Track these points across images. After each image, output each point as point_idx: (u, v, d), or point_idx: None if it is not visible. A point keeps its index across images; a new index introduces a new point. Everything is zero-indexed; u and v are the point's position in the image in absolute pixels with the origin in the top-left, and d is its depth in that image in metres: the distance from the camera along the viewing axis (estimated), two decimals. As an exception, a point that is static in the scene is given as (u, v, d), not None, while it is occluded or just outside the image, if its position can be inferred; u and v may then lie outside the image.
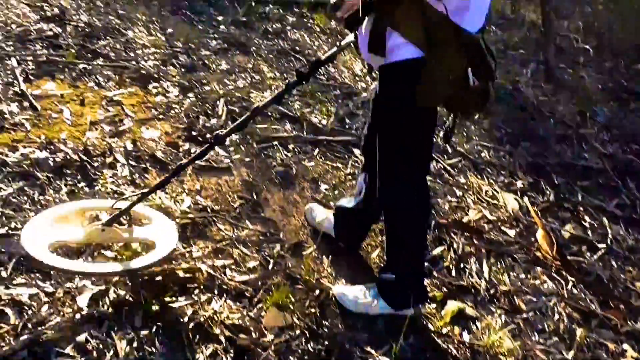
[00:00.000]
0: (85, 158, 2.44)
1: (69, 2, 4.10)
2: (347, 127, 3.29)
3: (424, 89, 1.60)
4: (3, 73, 2.92)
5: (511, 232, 2.65)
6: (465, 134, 3.56)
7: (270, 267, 2.13)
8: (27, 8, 3.81)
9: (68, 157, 2.42)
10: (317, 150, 2.97)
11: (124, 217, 1.89)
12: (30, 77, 2.97)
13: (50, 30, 3.55)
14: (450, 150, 3.30)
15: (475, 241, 2.51)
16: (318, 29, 4.88)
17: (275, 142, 2.93)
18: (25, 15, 3.68)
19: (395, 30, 1.57)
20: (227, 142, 2.82)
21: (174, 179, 2.06)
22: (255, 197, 2.50)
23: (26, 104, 2.73)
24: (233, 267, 2.08)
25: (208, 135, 2.82)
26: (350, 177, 2.82)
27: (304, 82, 1.83)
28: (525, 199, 2.94)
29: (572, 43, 5.86)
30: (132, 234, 1.91)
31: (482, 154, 3.38)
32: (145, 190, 1.95)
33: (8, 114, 2.62)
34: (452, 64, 1.58)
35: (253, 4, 5.06)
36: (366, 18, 1.62)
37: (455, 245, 2.45)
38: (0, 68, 2.96)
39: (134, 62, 3.43)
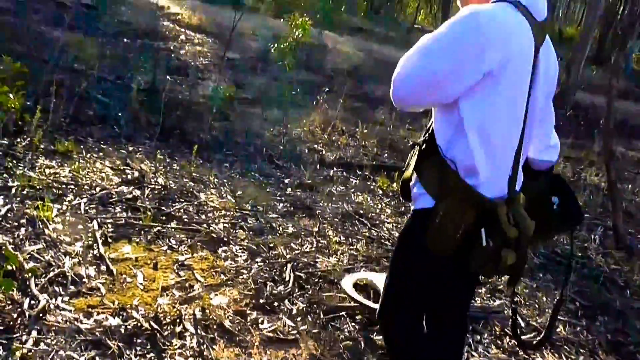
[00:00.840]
0: (155, 326, 2.44)
1: (148, 165, 4.39)
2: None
3: (431, 237, 1.65)
4: (85, 236, 3.06)
5: None
6: (537, 305, 3.41)
7: None
8: (111, 171, 4.08)
9: (139, 324, 2.43)
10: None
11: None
12: (108, 239, 3.10)
13: (130, 193, 3.76)
14: (522, 324, 3.15)
15: None
16: (380, 192, 5.00)
17: (343, 313, 2.88)
18: (108, 179, 3.94)
19: (419, 180, 1.71)
20: (294, 311, 2.80)
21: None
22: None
23: (103, 267, 2.82)
24: None
25: (275, 304, 2.81)
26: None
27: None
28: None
29: (638, 207, 5.76)
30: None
31: (558, 329, 3.20)
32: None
33: (86, 277, 2.70)
34: (458, 219, 1.62)
35: (318, 167, 5.29)
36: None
37: None
38: (82, 231, 3.10)
39: (205, 225, 3.54)
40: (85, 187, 3.68)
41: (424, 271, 1.77)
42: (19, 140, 4.15)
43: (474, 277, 1.82)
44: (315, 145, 5.99)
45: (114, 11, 12.12)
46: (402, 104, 1.63)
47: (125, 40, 9.85)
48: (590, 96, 13.82)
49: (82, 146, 4.44)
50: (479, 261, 1.63)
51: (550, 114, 1.84)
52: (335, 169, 5.35)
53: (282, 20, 12.21)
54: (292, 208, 4.19)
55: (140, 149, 4.79)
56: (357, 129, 6.90)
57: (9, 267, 2.51)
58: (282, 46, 6.74)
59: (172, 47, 10.27)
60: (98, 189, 3.70)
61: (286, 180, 4.79)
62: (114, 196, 3.65)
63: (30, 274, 2.56)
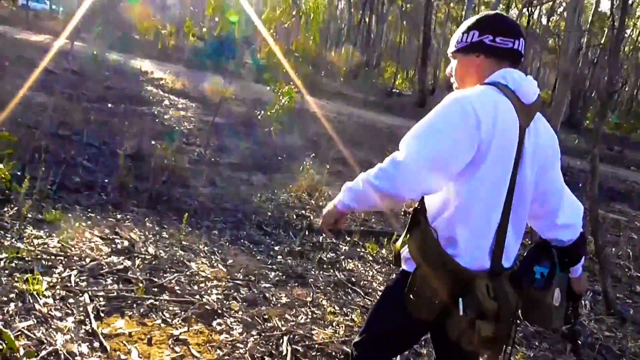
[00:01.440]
0: (152, 407, 2.35)
1: (137, 234, 4.33)
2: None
3: (410, 300, 1.73)
4: (76, 310, 2.97)
5: None
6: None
7: None
8: (100, 241, 4.01)
9: (135, 406, 2.34)
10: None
11: None
12: (101, 313, 3.01)
13: (121, 263, 3.69)
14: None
15: None
16: (370, 258, 4.99)
17: (343, 388, 2.81)
18: (97, 249, 3.86)
19: (407, 244, 1.78)
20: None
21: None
22: None
23: (96, 344, 2.72)
24: None
25: (274, 380, 2.74)
26: None
27: None
28: None
29: (624, 272, 5.81)
30: None
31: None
32: None
33: (79, 355, 2.60)
34: (436, 286, 1.68)
35: (307, 232, 5.27)
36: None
37: None
38: (74, 305, 3.01)
39: (198, 297, 3.47)
40: (75, 258, 3.61)
41: (402, 326, 1.86)
42: (6, 209, 4.08)
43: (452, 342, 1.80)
44: (303, 211, 5.98)
45: (98, 76, 12.24)
46: (412, 194, 1.65)
47: (109, 105, 9.91)
48: (566, 158, 14.18)
49: (69, 214, 4.37)
50: (455, 330, 1.69)
51: (554, 193, 1.87)
52: (324, 235, 5.34)
53: (263, 85, 12.42)
54: (284, 277, 4.14)
55: (128, 217, 4.73)
56: (343, 194, 6.93)
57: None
58: (269, 113, 6.83)
59: (156, 112, 10.34)
60: (88, 259, 3.62)
61: (276, 248, 4.76)
62: (104, 267, 3.57)
63: (25, 358, 2.46)
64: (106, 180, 5.63)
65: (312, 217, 5.76)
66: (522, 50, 1.80)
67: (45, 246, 3.66)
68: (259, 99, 13.46)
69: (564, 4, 40.53)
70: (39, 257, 3.47)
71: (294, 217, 5.73)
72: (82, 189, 5.25)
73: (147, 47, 20.68)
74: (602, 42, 29.44)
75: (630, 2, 26.89)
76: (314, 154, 8.08)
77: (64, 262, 3.50)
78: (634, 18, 29.78)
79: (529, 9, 36.08)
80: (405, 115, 17.26)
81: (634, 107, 33.80)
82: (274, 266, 4.31)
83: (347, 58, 33.25)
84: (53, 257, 3.53)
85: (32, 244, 3.65)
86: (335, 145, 10.14)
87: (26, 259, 3.39)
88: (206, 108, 11.90)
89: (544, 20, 41.96)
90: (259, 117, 7.57)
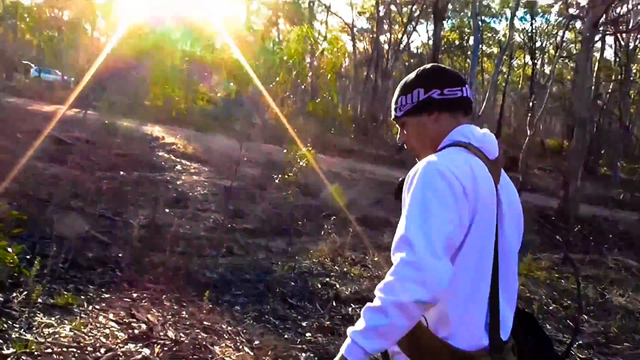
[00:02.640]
0: None
1: (155, 315, 4.02)
2: None
3: None
4: (91, 415, 2.64)
5: None
6: None
7: None
8: (116, 326, 3.71)
9: None
10: None
11: None
12: (118, 416, 2.68)
13: (139, 351, 3.38)
14: None
15: None
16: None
17: None
18: (113, 335, 3.56)
19: None
20: None
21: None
22: None
23: None
24: None
25: None
26: None
27: None
28: None
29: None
30: None
31: None
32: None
33: None
34: None
35: (334, 303, 4.94)
36: None
37: None
38: (88, 408, 2.69)
39: (224, 388, 3.14)
40: (89, 348, 3.30)
41: None
42: (15, 294, 3.80)
43: None
44: (328, 279, 5.66)
45: (110, 144, 12.18)
46: (444, 288, 1.37)
47: (121, 173, 9.77)
48: (588, 207, 13.82)
49: (82, 296, 4.09)
50: None
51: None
52: (352, 305, 5.00)
53: (274, 145, 12.27)
54: (315, 358, 3.79)
55: (145, 295, 4.43)
56: (367, 257, 6.62)
57: None
58: (286, 176, 6.62)
59: (169, 178, 10.18)
60: (103, 350, 3.31)
61: (304, 323, 4.42)
62: (120, 358, 3.26)
63: None
64: (120, 255, 5.36)
65: (337, 286, 5.44)
66: (470, 96, 1.69)
67: (57, 336, 3.36)
68: (271, 160, 13.33)
69: (565, 52, 41.03)
70: (49, 350, 3.17)
71: (319, 286, 5.41)
72: (95, 265, 4.98)
73: (157, 112, 20.82)
74: (610, 89, 29.56)
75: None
76: (334, 216, 7.79)
77: (76, 355, 3.18)
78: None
79: (533, 58, 36.48)
80: (419, 169, 17.05)
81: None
82: (304, 345, 3.96)
83: (355, 114, 33.47)
84: (65, 349, 3.22)
85: (42, 334, 3.35)
86: (354, 205, 9.90)
87: (35, 353, 3.08)
88: (219, 172, 11.75)
89: (547, 69, 42.36)
90: (276, 180, 7.33)
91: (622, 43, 22.82)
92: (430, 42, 40.63)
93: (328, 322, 4.47)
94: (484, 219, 1.50)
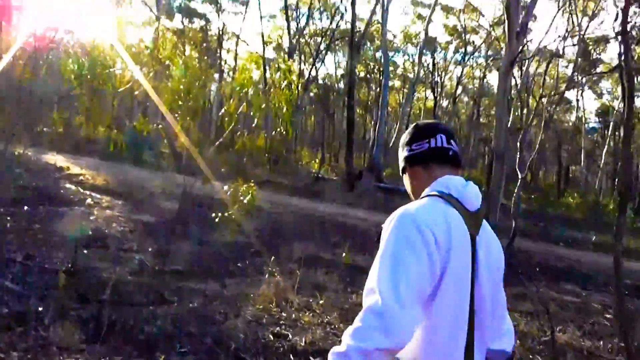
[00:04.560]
0: None
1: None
2: None
3: None
4: None
5: None
6: None
7: None
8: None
9: None
10: None
11: None
12: None
13: None
14: None
15: None
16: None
17: None
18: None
19: None
20: None
21: None
22: None
23: None
24: None
25: None
26: None
27: None
28: None
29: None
30: None
31: None
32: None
33: None
34: None
35: (291, 358, 4.53)
36: None
37: None
38: None
39: None
40: None
41: None
42: None
43: None
44: (278, 328, 5.22)
45: (10, 175, 11.03)
46: (409, 337, 1.45)
47: (26, 208, 8.80)
48: (505, 240, 14.20)
49: (7, 369, 3.41)
50: None
51: (501, 301, 1.80)
52: (311, 358, 4.60)
53: (187, 175, 11.66)
54: None
55: (80, 360, 3.80)
56: (312, 300, 6.24)
57: None
58: (228, 214, 6.14)
59: (80, 213, 9.29)
60: None
61: (267, 385, 3.97)
62: None
63: None
64: (40, 308, 4.64)
65: (290, 336, 5.02)
66: (445, 144, 1.76)
67: None
68: (188, 192, 12.65)
69: (461, 87, 43.38)
70: None
71: (271, 337, 4.95)
72: (13, 323, 4.26)
73: (56, 140, 19.43)
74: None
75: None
76: (261, 254, 7.36)
77: None
78: None
79: (434, 92, 38.17)
80: (337, 200, 16.98)
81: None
82: (273, 413, 3.51)
83: (265, 144, 33.12)
84: None
85: None
86: (285, 241, 9.51)
87: None
88: (133, 205, 10.95)
89: (444, 102, 44.52)
90: (216, 220, 6.81)
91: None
92: (337, 72, 41.52)
93: (292, 381, 4.04)
94: (457, 268, 1.55)
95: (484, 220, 1.70)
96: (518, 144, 14.01)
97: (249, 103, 6.54)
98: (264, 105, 6.08)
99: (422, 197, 1.69)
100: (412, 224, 1.54)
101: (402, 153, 1.83)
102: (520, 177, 10.70)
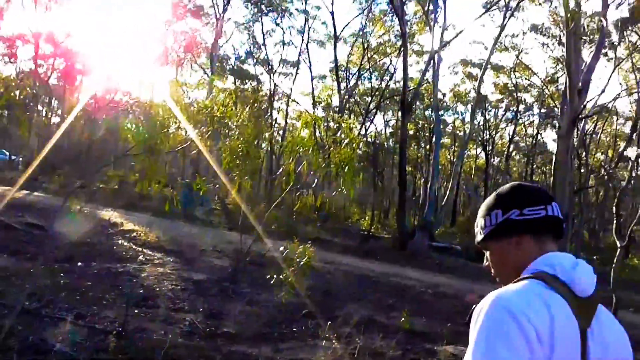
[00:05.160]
0: None
1: None
2: None
3: None
4: None
5: None
6: None
7: None
8: None
9: None
10: None
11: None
12: None
13: None
14: None
15: None
16: None
17: None
18: None
19: None
20: None
21: None
22: None
23: None
24: None
25: None
26: None
27: None
28: None
29: None
30: None
31: None
32: None
33: None
34: None
35: None
36: None
37: None
38: None
39: None
40: None
41: None
42: None
43: None
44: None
45: (63, 231, 11.13)
46: None
47: (79, 264, 8.75)
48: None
49: None
50: None
51: None
52: None
53: (237, 232, 11.49)
54: None
55: None
56: (371, 370, 5.82)
57: None
58: (282, 276, 5.86)
59: (131, 270, 9.19)
60: None
61: None
62: None
63: None
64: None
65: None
66: (560, 215, 1.51)
67: None
68: (238, 249, 12.47)
69: (513, 145, 42.65)
70: None
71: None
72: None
73: (111, 196, 19.80)
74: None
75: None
76: (328, 320, 6.99)
77: None
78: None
79: (485, 149, 37.60)
80: (389, 259, 16.50)
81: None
82: None
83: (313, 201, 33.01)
84: None
85: None
86: (337, 302, 9.14)
87: None
88: (185, 262, 10.81)
89: (494, 160, 43.76)
90: (271, 282, 6.54)
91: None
92: (387, 130, 41.58)
93: None
94: None
95: (602, 307, 1.41)
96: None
97: (308, 162, 6.36)
98: (324, 165, 5.89)
99: (520, 280, 1.41)
100: (508, 315, 1.28)
101: (503, 216, 1.53)
102: (619, 245, 9.51)
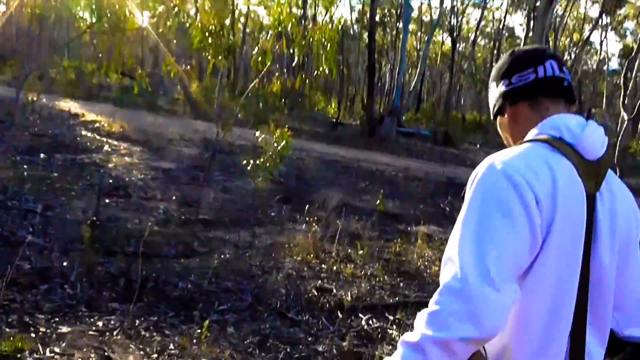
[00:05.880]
0: None
1: (135, 354, 3.04)
2: None
3: None
4: None
5: None
6: None
7: None
8: (89, 376, 2.71)
9: None
10: None
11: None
12: None
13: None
14: None
15: None
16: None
17: None
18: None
19: None
20: None
21: None
22: None
23: None
24: None
25: None
26: None
27: None
28: None
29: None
30: None
31: None
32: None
33: None
34: None
35: (339, 314, 4.15)
36: None
37: None
38: None
39: None
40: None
41: None
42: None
43: None
44: (320, 281, 4.83)
45: (24, 122, 10.62)
46: (502, 324, 1.10)
47: (42, 155, 8.39)
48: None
49: (33, 334, 3.03)
50: None
51: (636, 275, 1.32)
52: (361, 315, 4.21)
53: (203, 121, 11.11)
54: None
55: (113, 323, 3.42)
56: (350, 251, 5.84)
57: None
58: (259, 161, 5.66)
59: (98, 161, 8.88)
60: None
61: (319, 348, 3.58)
62: None
63: None
64: (65, 263, 4.27)
65: (334, 290, 4.63)
66: (558, 72, 1.33)
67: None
68: (206, 138, 12.20)
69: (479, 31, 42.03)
70: None
71: (315, 292, 4.57)
72: (37, 281, 3.88)
73: (69, 87, 18.91)
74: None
75: None
76: (305, 205, 6.94)
77: None
78: None
79: (452, 35, 36.90)
80: (359, 145, 16.48)
81: None
82: (332, 381, 3.14)
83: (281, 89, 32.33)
84: None
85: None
86: (311, 188, 9.11)
87: None
88: (153, 152, 10.53)
89: (460, 47, 43.28)
90: (248, 167, 6.34)
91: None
92: (352, 15, 40.23)
93: (346, 344, 3.66)
94: (564, 236, 1.17)
95: (612, 174, 1.29)
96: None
97: (287, 39, 5.88)
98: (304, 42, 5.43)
99: (522, 143, 1.28)
100: (504, 179, 1.16)
101: (497, 89, 1.40)
102: (627, 117, 9.44)
